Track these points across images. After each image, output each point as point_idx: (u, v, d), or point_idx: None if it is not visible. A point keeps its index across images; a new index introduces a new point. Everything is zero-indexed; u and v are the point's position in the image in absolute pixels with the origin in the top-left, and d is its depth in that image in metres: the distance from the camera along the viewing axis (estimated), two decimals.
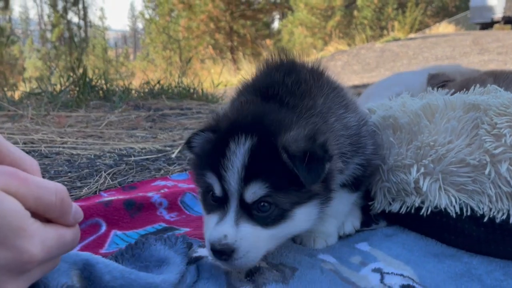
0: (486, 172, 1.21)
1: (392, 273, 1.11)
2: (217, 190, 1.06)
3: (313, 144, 1.06)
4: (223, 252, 1.00)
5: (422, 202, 1.30)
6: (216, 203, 1.07)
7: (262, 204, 1.05)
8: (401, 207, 1.35)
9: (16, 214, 0.69)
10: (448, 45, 15.84)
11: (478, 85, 1.44)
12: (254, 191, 1.03)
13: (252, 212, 1.05)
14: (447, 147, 1.27)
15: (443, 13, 31.30)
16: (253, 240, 1.03)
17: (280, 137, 1.05)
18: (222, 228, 1.02)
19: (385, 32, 25.36)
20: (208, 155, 1.10)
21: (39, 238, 0.71)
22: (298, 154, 1.03)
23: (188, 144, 1.14)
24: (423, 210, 1.29)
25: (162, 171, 2.24)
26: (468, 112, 1.30)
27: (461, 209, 1.24)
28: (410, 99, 1.48)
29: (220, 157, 1.05)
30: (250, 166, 1.03)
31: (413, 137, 1.35)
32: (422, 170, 1.30)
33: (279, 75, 1.24)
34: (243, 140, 1.04)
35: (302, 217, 1.09)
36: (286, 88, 1.20)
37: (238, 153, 1.04)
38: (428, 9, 31.30)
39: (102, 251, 1.33)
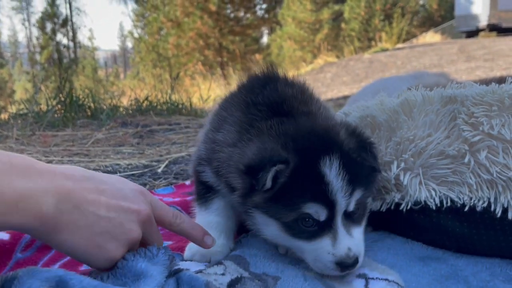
0: (466, 160, 1.21)
1: (377, 278, 1.09)
2: (322, 215, 1.08)
3: (360, 136, 1.17)
4: (352, 264, 1.07)
5: (402, 198, 1.29)
6: (316, 227, 1.09)
7: (356, 207, 1.12)
8: (381, 206, 1.33)
9: None
10: (435, 54, 16.01)
11: None
12: (356, 199, 1.11)
13: (352, 217, 1.12)
14: (426, 140, 1.27)
15: (429, 23, 31.72)
16: (362, 240, 1.14)
17: (344, 143, 1.12)
18: (343, 243, 1.07)
19: (373, 43, 25.62)
20: (296, 186, 1.07)
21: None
22: (364, 148, 1.13)
23: (264, 184, 1.06)
24: (402, 205, 1.28)
25: (148, 186, 2.21)
26: (446, 105, 1.31)
27: (441, 202, 1.23)
28: (388, 98, 1.48)
29: (316, 184, 1.06)
30: (346, 179, 1.07)
31: (392, 133, 1.34)
32: (402, 165, 1.29)
33: (284, 88, 1.26)
34: (327, 160, 1.07)
35: (369, 202, 1.23)
36: (297, 100, 1.23)
37: (334, 173, 1.06)
38: (414, 19, 31.70)
39: (82, 268, 1.29)
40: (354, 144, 1.12)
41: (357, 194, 1.10)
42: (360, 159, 1.11)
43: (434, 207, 1.24)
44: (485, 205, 1.19)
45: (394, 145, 1.32)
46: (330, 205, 1.07)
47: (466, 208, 1.20)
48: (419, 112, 1.32)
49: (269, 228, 1.14)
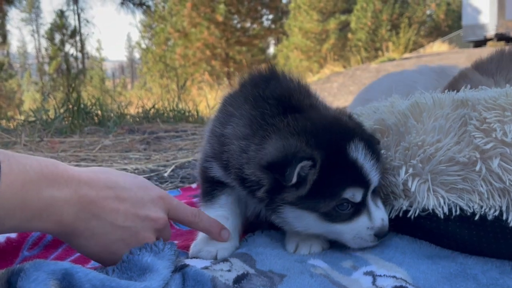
0: (477, 168, 1.17)
1: (384, 275, 1.08)
2: (358, 197, 1.17)
3: (357, 121, 1.33)
4: (387, 231, 1.21)
5: (410, 205, 1.26)
6: (352, 209, 1.18)
7: None
8: (390, 212, 1.31)
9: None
10: (443, 63, 15.98)
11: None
12: (380, 176, 1.23)
13: (374, 191, 1.22)
14: (435, 146, 1.24)
15: (436, 33, 31.70)
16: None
17: (355, 127, 1.23)
18: (378, 216, 1.20)
19: (379, 53, 25.66)
20: (331, 177, 1.14)
21: (159, 189, 1.15)
22: (366, 129, 1.30)
23: (290, 180, 1.11)
24: (410, 213, 1.25)
25: None
26: (457, 109, 1.27)
27: (449, 210, 1.20)
28: (399, 99, 1.45)
29: (351, 170, 1.16)
30: (373, 158, 1.19)
31: (401, 138, 1.32)
32: (410, 171, 1.26)
33: (287, 83, 1.32)
34: (353, 146, 1.16)
35: None
36: (301, 94, 1.29)
37: (363, 156, 1.16)
38: (421, 29, 31.73)
39: (88, 266, 1.29)
40: (359, 126, 1.25)
41: (381, 169, 1.22)
42: (370, 138, 1.24)
43: (442, 216, 1.21)
44: (496, 213, 1.15)
45: (402, 150, 1.30)
46: (365, 186, 1.18)
47: (477, 217, 1.17)
48: (429, 116, 1.29)
49: (303, 220, 1.19)
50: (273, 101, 1.25)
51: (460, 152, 1.21)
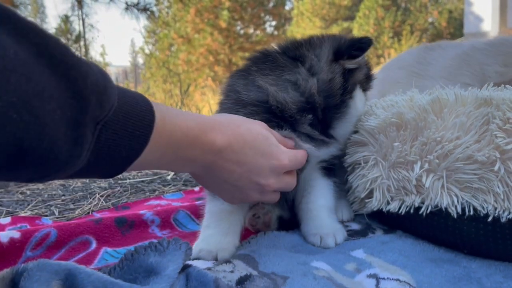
0: (496, 168, 1.15)
1: (388, 278, 1.07)
2: None
3: None
4: None
5: (422, 202, 1.26)
6: None
7: None
8: (400, 207, 1.30)
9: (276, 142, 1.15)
10: None
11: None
12: None
13: None
14: (454, 143, 1.22)
15: (438, 40, 31.66)
16: None
17: None
18: None
19: (382, 60, 25.65)
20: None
21: (286, 154, 1.15)
22: None
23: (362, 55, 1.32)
24: (422, 209, 1.25)
25: (157, 192, 2.21)
26: (479, 107, 1.25)
27: (462, 209, 1.19)
28: (418, 93, 1.44)
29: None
30: None
31: (419, 132, 1.30)
32: (426, 166, 1.25)
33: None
34: None
35: None
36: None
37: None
38: (424, 36, 31.69)
39: (91, 267, 1.29)
40: None
41: None
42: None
43: (455, 215, 1.20)
44: (510, 216, 1.14)
45: (419, 145, 1.29)
46: None
47: (490, 219, 1.16)
48: (450, 112, 1.28)
49: (362, 100, 1.38)
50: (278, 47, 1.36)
51: (480, 151, 1.19)
